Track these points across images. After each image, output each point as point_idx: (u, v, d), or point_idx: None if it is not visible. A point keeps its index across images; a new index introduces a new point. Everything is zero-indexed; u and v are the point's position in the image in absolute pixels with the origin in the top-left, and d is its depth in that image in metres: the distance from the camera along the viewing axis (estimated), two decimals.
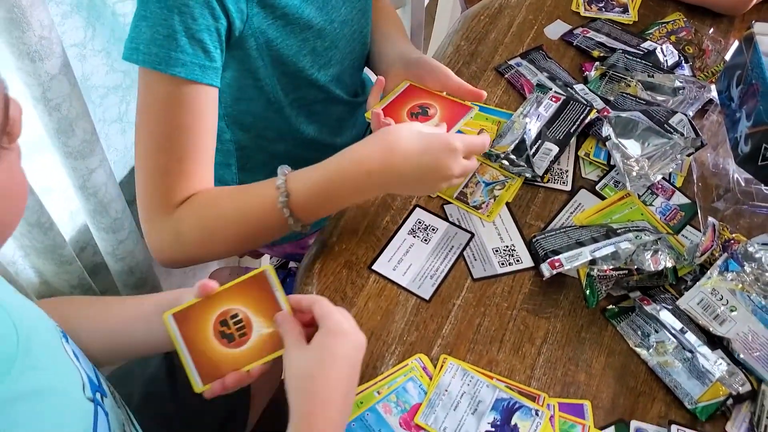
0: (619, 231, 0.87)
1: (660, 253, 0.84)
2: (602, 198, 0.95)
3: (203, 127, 0.81)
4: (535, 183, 0.96)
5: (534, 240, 0.89)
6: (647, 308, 0.83)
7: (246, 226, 0.81)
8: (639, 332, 0.82)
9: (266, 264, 0.70)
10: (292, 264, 1.33)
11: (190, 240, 0.81)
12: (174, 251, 0.83)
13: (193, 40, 0.76)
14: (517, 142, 0.94)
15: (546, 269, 0.84)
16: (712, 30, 1.19)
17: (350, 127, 1.14)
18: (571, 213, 0.93)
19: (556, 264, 0.84)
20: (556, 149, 0.96)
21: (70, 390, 0.56)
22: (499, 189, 0.95)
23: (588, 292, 0.82)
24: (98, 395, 0.61)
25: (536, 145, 0.96)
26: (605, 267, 0.82)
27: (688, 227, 0.93)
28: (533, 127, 0.97)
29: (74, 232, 1.06)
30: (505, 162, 0.96)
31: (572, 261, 0.84)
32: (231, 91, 0.94)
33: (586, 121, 0.99)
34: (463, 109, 0.91)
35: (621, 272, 0.82)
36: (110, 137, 1.11)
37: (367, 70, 1.13)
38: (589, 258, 0.83)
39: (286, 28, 0.88)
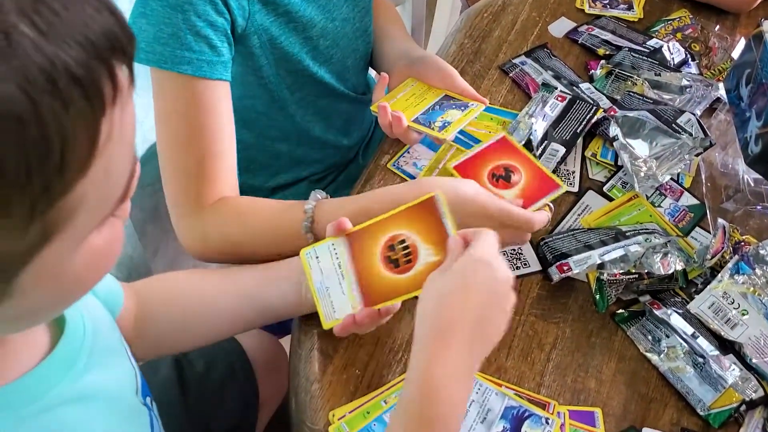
0: (628, 234, 0.86)
1: (670, 255, 0.83)
2: (610, 199, 0.94)
3: (219, 124, 0.80)
4: None
5: (542, 243, 0.87)
6: (658, 312, 0.81)
7: (270, 241, 0.80)
8: (649, 337, 0.81)
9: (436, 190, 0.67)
10: None
11: (215, 245, 0.81)
12: (201, 251, 0.82)
13: (198, 37, 0.75)
14: (523, 143, 0.92)
15: (555, 273, 0.83)
16: (718, 27, 1.18)
17: (357, 127, 1.12)
18: (579, 215, 0.92)
19: (565, 268, 0.83)
20: (562, 150, 0.94)
21: (126, 393, 0.55)
22: None
23: (598, 296, 0.81)
24: (148, 399, 0.60)
25: (542, 146, 0.94)
26: (615, 271, 0.80)
27: (697, 229, 0.91)
28: (539, 127, 0.96)
29: None
30: None
31: (581, 264, 0.82)
32: (235, 86, 0.92)
33: (593, 120, 0.97)
34: (551, 187, 0.84)
35: (631, 276, 0.81)
36: None
37: (369, 70, 1.11)
38: (598, 261, 0.82)
39: (288, 26, 0.87)
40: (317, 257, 0.70)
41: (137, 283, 0.74)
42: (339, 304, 0.69)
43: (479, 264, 0.59)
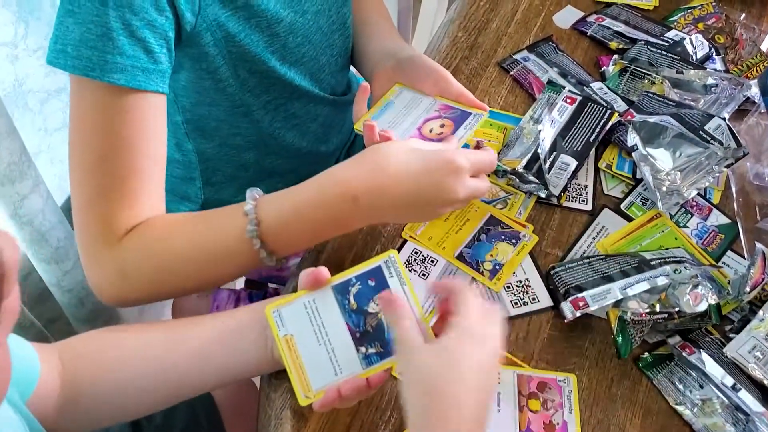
0: (653, 262, 0.74)
1: (700, 287, 0.71)
2: (629, 219, 0.81)
3: (149, 142, 0.66)
4: (549, 202, 0.82)
5: (552, 272, 0.75)
6: (690, 358, 0.69)
7: (207, 262, 0.67)
8: (680, 386, 0.69)
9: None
10: (271, 286, 1.18)
11: (137, 279, 0.67)
12: (118, 290, 0.68)
13: (133, 39, 0.62)
14: (529, 156, 0.80)
15: (568, 310, 0.71)
16: (743, 16, 1.05)
17: (337, 132, 0.99)
18: (594, 238, 0.79)
19: (581, 304, 0.71)
20: (574, 163, 0.82)
21: None
22: (501, 207, 0.81)
23: (620, 339, 0.69)
24: None
25: (551, 159, 0.82)
26: (641, 310, 0.68)
27: (729, 253, 0.79)
28: (547, 135, 0.83)
29: None
30: (514, 178, 0.82)
31: (599, 300, 0.70)
32: (188, 94, 0.79)
33: (607, 127, 0.85)
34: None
35: (659, 316, 0.69)
36: (54, 148, 0.96)
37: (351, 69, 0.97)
38: (619, 296, 0.70)
39: (249, 22, 0.73)
40: (289, 316, 0.58)
41: (58, 345, 0.61)
42: (319, 374, 0.57)
43: (470, 344, 0.52)
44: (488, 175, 0.81)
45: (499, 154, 0.83)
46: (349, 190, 0.64)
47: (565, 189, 0.81)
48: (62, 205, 0.96)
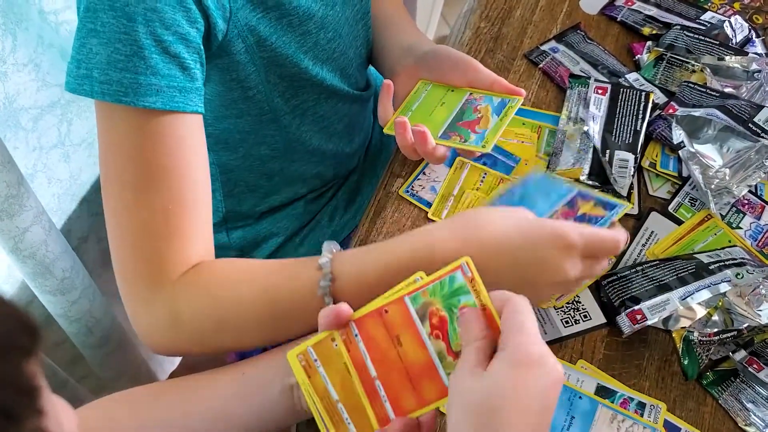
0: (711, 267, 0.68)
1: (765, 295, 0.66)
2: (677, 222, 0.76)
3: (192, 169, 0.60)
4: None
5: (604, 284, 0.70)
6: (758, 375, 0.65)
7: (273, 316, 0.59)
8: (749, 406, 0.64)
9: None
10: None
11: (192, 328, 0.60)
12: (170, 339, 0.61)
13: (166, 56, 0.56)
14: (591, 161, 0.74)
15: (625, 324, 0.66)
16: None
17: (359, 130, 0.93)
18: (643, 245, 0.74)
19: (638, 317, 0.66)
20: (631, 157, 0.76)
21: None
22: None
23: (686, 361, 0.64)
24: None
25: (606, 158, 0.76)
26: (708, 330, 0.63)
27: None
28: (595, 134, 0.78)
29: (14, 290, 0.85)
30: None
31: (658, 311, 0.65)
32: (212, 108, 0.73)
33: (648, 110, 0.79)
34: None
35: (728, 334, 0.64)
36: (50, 167, 0.89)
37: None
38: (679, 306, 0.65)
39: (281, 22, 0.67)
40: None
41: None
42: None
43: (527, 370, 0.44)
44: None
45: (548, 165, 0.77)
46: (435, 248, 0.56)
47: (631, 187, 0.76)
48: (61, 227, 0.89)
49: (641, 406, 0.64)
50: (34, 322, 0.32)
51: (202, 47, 0.59)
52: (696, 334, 0.63)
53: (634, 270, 0.70)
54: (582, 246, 0.55)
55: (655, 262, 0.71)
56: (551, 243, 0.55)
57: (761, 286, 0.66)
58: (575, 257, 0.55)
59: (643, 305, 0.66)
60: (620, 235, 0.58)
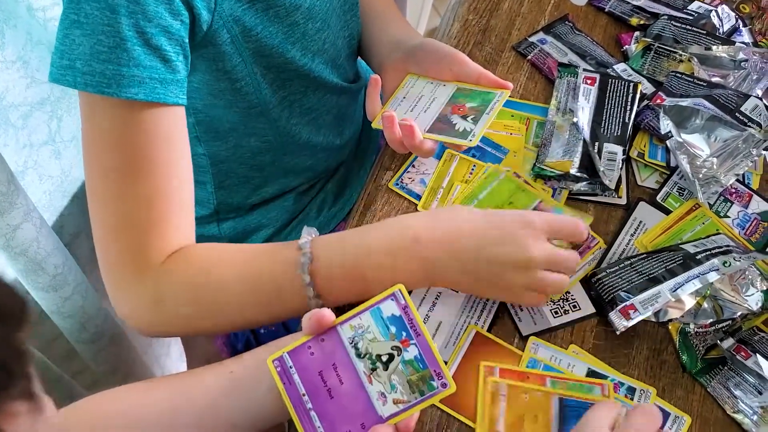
0: (698, 256, 0.69)
1: (750, 279, 0.67)
2: (666, 212, 0.76)
3: (174, 160, 0.62)
4: (579, 197, 0.77)
5: (594, 279, 0.70)
6: (746, 362, 0.65)
7: (252, 299, 0.62)
8: (737, 393, 0.65)
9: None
10: None
11: (173, 311, 0.63)
12: (151, 320, 0.64)
13: (148, 48, 0.57)
14: (580, 154, 0.74)
15: (619, 320, 0.66)
16: None
17: (349, 122, 0.93)
18: (632, 235, 0.74)
19: (631, 312, 0.66)
20: (619, 150, 0.77)
21: None
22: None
23: (685, 356, 0.65)
24: None
25: (595, 150, 0.77)
26: (703, 321, 0.64)
27: None
28: (585, 125, 0.78)
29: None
30: (571, 184, 0.77)
31: (649, 305, 0.66)
32: (201, 96, 0.73)
33: (636, 101, 0.80)
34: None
35: (723, 324, 0.64)
36: (41, 164, 0.89)
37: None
38: (670, 298, 0.65)
39: (267, 13, 0.68)
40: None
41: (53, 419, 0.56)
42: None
43: None
44: (534, 179, 0.76)
45: (538, 156, 0.77)
46: (408, 231, 0.61)
47: (619, 180, 0.76)
48: (53, 224, 0.89)
49: (631, 390, 0.65)
50: (20, 294, 0.34)
51: (186, 39, 0.60)
52: (692, 326, 0.64)
53: (623, 265, 0.71)
54: (541, 223, 0.62)
55: (643, 255, 0.72)
56: (516, 222, 0.62)
57: (747, 271, 0.67)
58: (540, 236, 0.62)
59: (635, 300, 0.67)
60: (579, 220, 0.65)
